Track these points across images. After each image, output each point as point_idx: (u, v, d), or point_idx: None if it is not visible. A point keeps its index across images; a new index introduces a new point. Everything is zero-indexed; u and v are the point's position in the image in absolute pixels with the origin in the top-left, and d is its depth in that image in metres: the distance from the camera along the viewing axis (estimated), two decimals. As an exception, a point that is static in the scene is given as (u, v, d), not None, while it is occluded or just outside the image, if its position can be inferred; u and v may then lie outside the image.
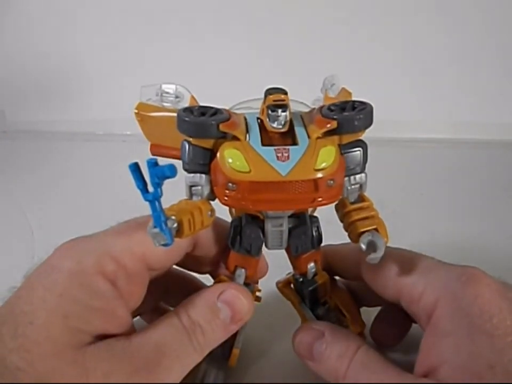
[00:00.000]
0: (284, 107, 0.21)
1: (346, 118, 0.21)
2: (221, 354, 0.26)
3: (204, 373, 0.26)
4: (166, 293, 0.29)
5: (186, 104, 0.24)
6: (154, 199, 0.18)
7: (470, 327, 0.20)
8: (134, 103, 0.24)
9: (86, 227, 0.25)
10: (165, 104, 0.24)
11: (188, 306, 0.23)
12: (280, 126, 0.21)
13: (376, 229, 0.23)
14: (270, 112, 0.21)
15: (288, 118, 0.22)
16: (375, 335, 0.29)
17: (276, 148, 0.21)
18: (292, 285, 0.29)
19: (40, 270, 0.22)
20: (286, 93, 0.22)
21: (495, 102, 0.70)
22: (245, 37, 0.72)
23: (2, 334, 0.20)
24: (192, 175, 0.22)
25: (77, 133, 0.78)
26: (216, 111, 0.22)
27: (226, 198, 0.21)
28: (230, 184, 0.20)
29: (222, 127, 0.21)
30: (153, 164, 0.17)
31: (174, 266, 0.27)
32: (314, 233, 0.25)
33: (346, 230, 0.24)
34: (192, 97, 0.24)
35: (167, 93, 0.24)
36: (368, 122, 0.22)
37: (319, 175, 0.20)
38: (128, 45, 0.74)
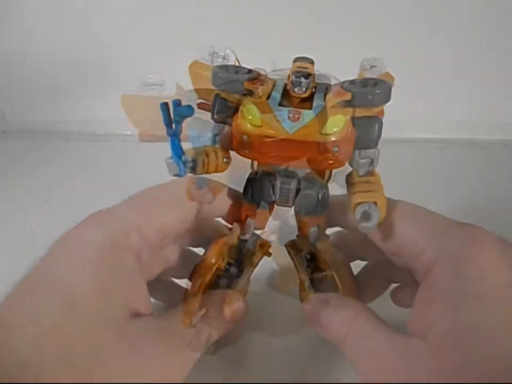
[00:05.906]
0: (307, 75, 0.23)
1: (361, 92, 0.22)
2: None
3: None
4: (173, 267, 0.30)
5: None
6: (174, 135, 0.21)
7: (462, 290, 0.20)
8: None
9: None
10: (214, 63, 0.26)
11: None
12: (301, 92, 0.23)
13: (375, 203, 0.23)
14: (294, 78, 0.23)
15: (310, 86, 0.23)
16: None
17: (290, 109, 0.23)
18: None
19: (72, 240, 0.23)
20: (312, 62, 0.24)
21: (495, 102, 0.70)
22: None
23: (45, 300, 0.20)
24: (217, 125, 0.25)
25: (77, 133, 0.78)
26: (249, 71, 0.24)
27: (240, 149, 0.24)
28: (245, 136, 0.23)
29: (245, 84, 0.23)
30: (177, 104, 0.20)
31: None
32: (320, 199, 0.26)
33: (349, 200, 0.25)
34: (236, 59, 0.26)
35: (217, 53, 0.26)
36: (383, 99, 0.23)
37: (323, 138, 0.22)
38: (128, 45, 0.74)
